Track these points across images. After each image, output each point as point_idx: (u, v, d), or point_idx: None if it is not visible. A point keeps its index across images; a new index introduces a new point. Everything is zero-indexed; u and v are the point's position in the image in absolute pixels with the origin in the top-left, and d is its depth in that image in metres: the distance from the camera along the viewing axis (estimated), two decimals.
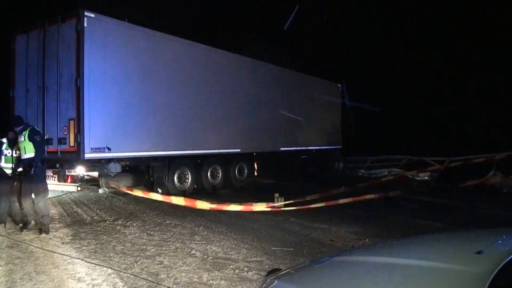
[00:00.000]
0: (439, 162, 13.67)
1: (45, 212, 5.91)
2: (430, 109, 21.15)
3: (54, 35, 7.76)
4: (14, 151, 6.35)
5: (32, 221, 6.06)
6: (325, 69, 18.14)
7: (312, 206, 7.07)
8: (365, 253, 2.53)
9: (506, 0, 19.05)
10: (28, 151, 5.86)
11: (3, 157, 6.37)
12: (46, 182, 6.25)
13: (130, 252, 4.98)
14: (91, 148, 7.43)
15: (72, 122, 7.45)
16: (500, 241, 2.21)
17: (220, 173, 10.64)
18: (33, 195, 5.91)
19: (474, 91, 19.92)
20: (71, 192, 9.07)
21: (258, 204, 7.17)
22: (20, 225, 6.16)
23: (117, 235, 5.85)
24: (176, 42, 9.27)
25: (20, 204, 6.26)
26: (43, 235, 5.73)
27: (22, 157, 5.94)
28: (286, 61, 13.97)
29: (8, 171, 6.30)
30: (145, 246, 5.25)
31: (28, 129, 6.00)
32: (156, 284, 3.93)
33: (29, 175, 5.81)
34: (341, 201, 7.39)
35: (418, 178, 12.80)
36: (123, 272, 4.24)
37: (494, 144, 14.16)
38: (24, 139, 5.91)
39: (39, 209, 5.87)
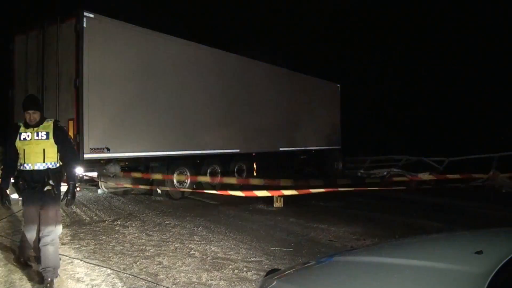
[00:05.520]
0: (438, 162, 13.69)
1: (56, 261, 3.74)
2: (430, 109, 21.16)
3: (53, 35, 7.75)
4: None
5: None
6: (325, 69, 18.15)
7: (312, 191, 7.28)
8: (364, 253, 2.53)
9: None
10: (49, 158, 3.73)
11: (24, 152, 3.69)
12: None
13: (129, 253, 4.97)
14: (90, 148, 7.42)
15: (71, 123, 7.43)
16: (500, 241, 2.21)
17: (219, 174, 10.63)
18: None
19: (474, 91, 19.92)
20: None
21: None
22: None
23: (116, 235, 5.83)
24: (175, 43, 9.26)
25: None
26: None
27: (31, 167, 3.68)
28: (285, 61, 13.99)
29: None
30: (144, 247, 5.24)
31: (52, 121, 3.81)
32: (155, 284, 3.92)
33: (48, 194, 3.80)
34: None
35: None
36: (122, 272, 4.23)
37: (493, 144, 14.17)
38: (47, 137, 3.70)
39: (48, 255, 3.63)
